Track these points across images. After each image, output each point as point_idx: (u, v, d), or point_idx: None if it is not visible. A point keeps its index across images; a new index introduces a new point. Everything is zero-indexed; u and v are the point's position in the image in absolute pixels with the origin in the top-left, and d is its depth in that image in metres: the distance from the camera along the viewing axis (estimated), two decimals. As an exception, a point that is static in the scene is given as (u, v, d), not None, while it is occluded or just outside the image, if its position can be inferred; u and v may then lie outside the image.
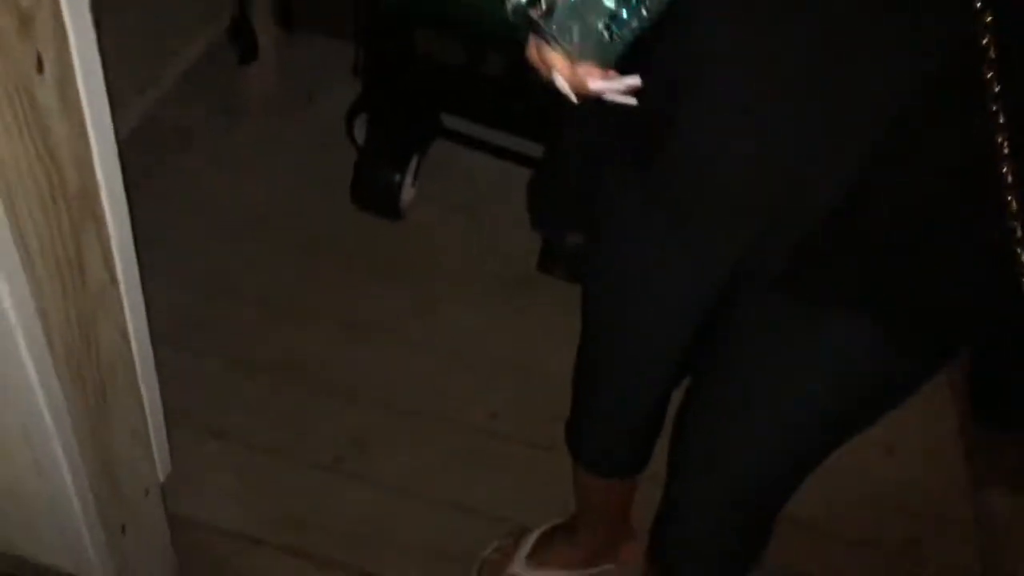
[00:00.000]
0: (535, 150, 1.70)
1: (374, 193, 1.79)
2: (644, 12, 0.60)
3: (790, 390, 0.84)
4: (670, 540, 1.10)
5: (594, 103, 0.68)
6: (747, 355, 0.86)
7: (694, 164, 0.74)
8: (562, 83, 0.65)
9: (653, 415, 1.12)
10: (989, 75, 0.53)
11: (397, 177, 1.75)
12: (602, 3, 0.58)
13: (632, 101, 0.68)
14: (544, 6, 0.60)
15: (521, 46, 0.69)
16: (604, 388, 1.10)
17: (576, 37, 0.60)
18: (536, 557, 1.41)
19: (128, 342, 0.87)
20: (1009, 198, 0.55)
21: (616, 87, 0.66)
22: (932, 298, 0.71)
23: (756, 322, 0.83)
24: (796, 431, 0.87)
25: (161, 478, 1.06)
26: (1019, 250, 0.56)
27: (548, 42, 0.61)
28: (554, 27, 0.60)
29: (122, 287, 0.82)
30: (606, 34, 0.60)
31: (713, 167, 0.73)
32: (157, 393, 0.98)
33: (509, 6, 0.62)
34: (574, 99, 0.67)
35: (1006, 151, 0.54)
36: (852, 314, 0.75)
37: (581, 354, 1.11)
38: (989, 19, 0.52)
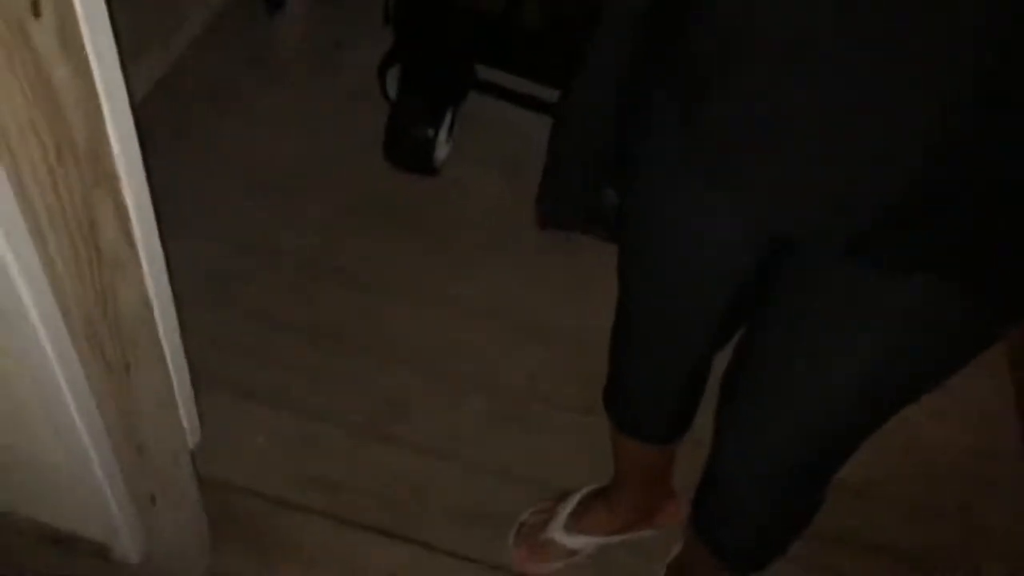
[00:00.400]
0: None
1: (407, 149, 1.74)
2: None
3: (850, 353, 0.79)
4: (713, 506, 1.07)
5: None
6: (805, 316, 0.81)
7: (743, 123, 0.68)
8: None
9: (694, 379, 1.08)
10: None
11: (431, 132, 1.70)
12: None
13: None
14: None
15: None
16: (642, 352, 1.06)
17: None
18: (574, 521, 1.38)
19: (150, 308, 0.83)
20: None
21: None
22: (1018, 259, 0.66)
23: (817, 284, 0.78)
24: (852, 397, 0.82)
25: (191, 444, 1.03)
26: None
27: None
28: None
29: (141, 251, 0.78)
30: None
31: (767, 127, 0.67)
32: (183, 358, 0.95)
33: None
34: None
35: None
36: (934, 278, 0.69)
37: (619, 317, 1.06)
38: None
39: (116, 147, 0.68)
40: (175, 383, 0.94)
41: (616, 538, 1.39)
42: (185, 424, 1.00)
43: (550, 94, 1.69)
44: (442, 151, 1.77)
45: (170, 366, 0.91)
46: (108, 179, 0.69)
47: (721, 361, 1.02)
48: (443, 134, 1.73)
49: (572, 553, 1.38)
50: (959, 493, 1.59)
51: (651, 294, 0.97)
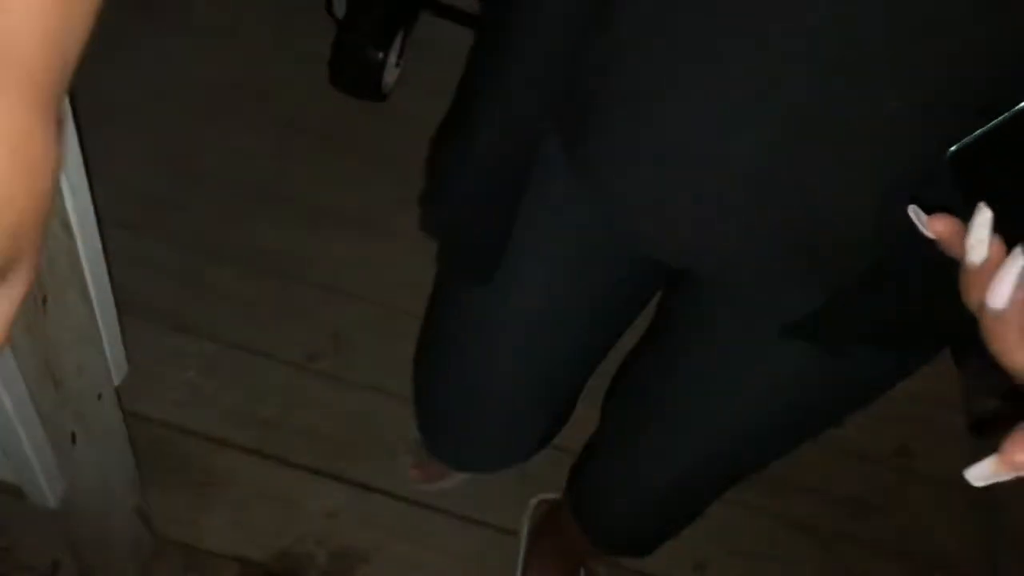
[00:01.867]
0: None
1: (354, 73, 1.65)
2: None
3: (749, 397, 0.76)
4: (590, 501, 1.07)
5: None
6: (703, 352, 0.77)
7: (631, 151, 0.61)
8: None
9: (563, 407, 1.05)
10: None
11: (380, 56, 1.61)
12: None
13: None
14: None
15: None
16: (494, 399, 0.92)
17: None
18: None
19: (70, 233, 0.76)
20: None
21: None
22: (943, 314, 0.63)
23: (716, 320, 0.74)
24: (745, 436, 0.80)
25: (116, 381, 0.97)
26: None
27: None
28: None
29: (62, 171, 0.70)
30: None
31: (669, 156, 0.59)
32: (108, 290, 0.88)
33: None
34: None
35: None
36: (873, 349, 0.65)
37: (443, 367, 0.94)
38: None
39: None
40: (98, 315, 0.87)
41: None
42: (110, 358, 0.93)
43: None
44: (391, 76, 1.68)
45: (92, 297, 0.84)
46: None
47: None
48: (393, 57, 1.64)
49: None
50: (898, 437, 1.61)
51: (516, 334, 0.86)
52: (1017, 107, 0.37)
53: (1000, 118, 0.38)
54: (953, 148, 0.39)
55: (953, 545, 1.50)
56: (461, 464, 1.13)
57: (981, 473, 0.38)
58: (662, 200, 0.60)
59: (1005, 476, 0.37)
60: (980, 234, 0.36)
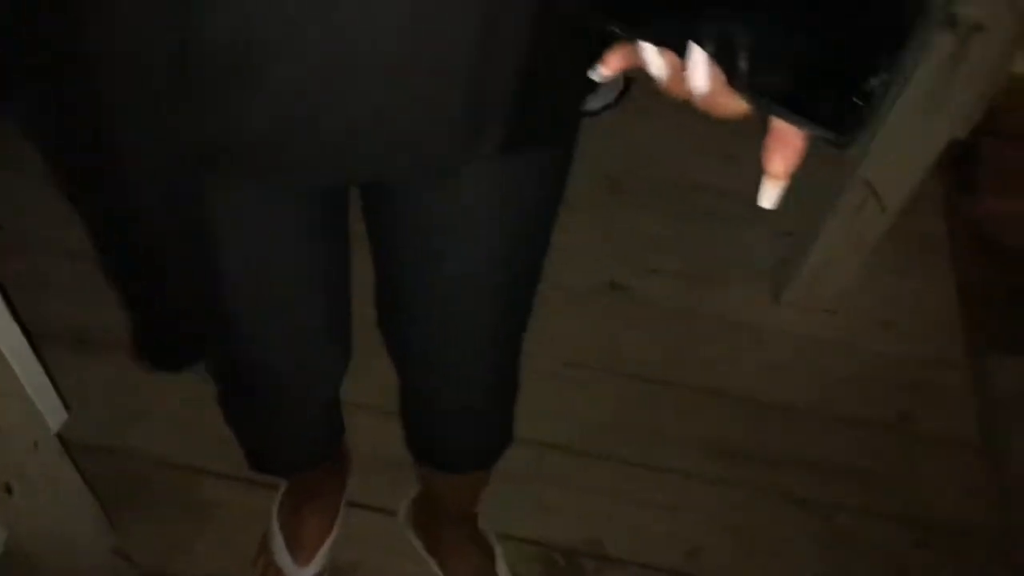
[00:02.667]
0: None
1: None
2: None
3: (484, 241, 0.80)
4: (422, 432, 1.09)
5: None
6: (427, 229, 0.79)
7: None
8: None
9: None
10: None
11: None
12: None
13: None
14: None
15: None
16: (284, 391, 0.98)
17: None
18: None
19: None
20: None
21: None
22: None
23: (420, 199, 0.76)
24: (498, 279, 0.84)
25: (54, 428, 0.97)
26: None
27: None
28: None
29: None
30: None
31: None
32: (26, 345, 0.89)
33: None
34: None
35: None
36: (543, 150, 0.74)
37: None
38: None
39: None
40: (18, 372, 0.88)
41: None
42: (41, 406, 0.94)
43: None
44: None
45: (4, 352, 0.85)
46: None
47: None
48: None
49: None
50: (902, 402, 1.56)
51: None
52: None
53: None
54: None
55: (959, 505, 1.44)
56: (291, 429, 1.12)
57: (766, 196, 0.44)
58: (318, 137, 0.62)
59: (782, 184, 0.43)
60: (650, 55, 0.44)
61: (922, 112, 1.25)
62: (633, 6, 0.43)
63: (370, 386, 1.42)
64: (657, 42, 0.43)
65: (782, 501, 1.43)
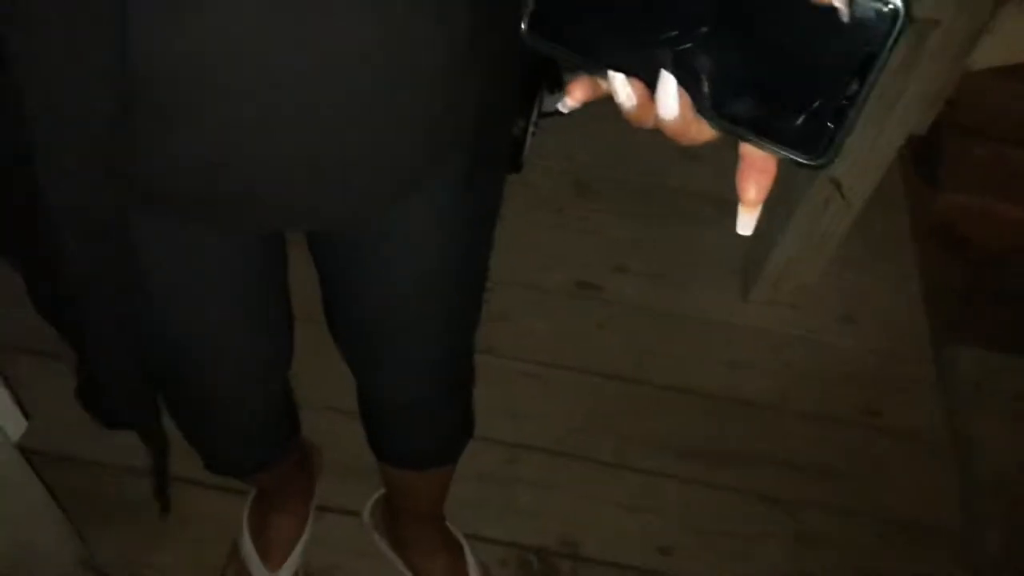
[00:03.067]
0: None
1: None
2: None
3: (427, 257, 0.81)
4: (381, 432, 1.10)
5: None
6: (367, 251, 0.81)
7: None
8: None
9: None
10: None
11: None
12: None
13: None
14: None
15: None
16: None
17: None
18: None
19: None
20: None
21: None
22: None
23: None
24: (447, 289, 0.86)
25: (15, 436, 0.96)
26: None
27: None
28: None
29: None
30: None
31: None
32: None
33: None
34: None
35: None
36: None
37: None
38: None
39: None
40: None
41: None
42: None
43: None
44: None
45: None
46: None
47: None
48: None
49: None
50: (866, 397, 1.58)
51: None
52: None
53: None
54: (524, 26, 0.43)
55: (924, 501, 1.46)
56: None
57: (742, 224, 0.43)
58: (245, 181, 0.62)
59: (758, 211, 0.42)
60: (620, 85, 0.42)
61: (880, 108, 1.27)
62: (590, 37, 0.42)
63: (340, 389, 1.42)
64: (623, 71, 0.42)
65: (751, 498, 1.44)
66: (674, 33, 0.39)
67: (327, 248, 0.83)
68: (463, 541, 1.32)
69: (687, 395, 1.55)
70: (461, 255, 0.84)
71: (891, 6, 0.35)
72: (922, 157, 1.80)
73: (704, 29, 0.39)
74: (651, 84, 0.41)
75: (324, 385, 1.43)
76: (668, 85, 0.40)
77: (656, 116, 0.41)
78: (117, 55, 0.52)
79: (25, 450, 1.00)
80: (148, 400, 0.85)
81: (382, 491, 1.33)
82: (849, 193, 1.41)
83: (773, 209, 1.58)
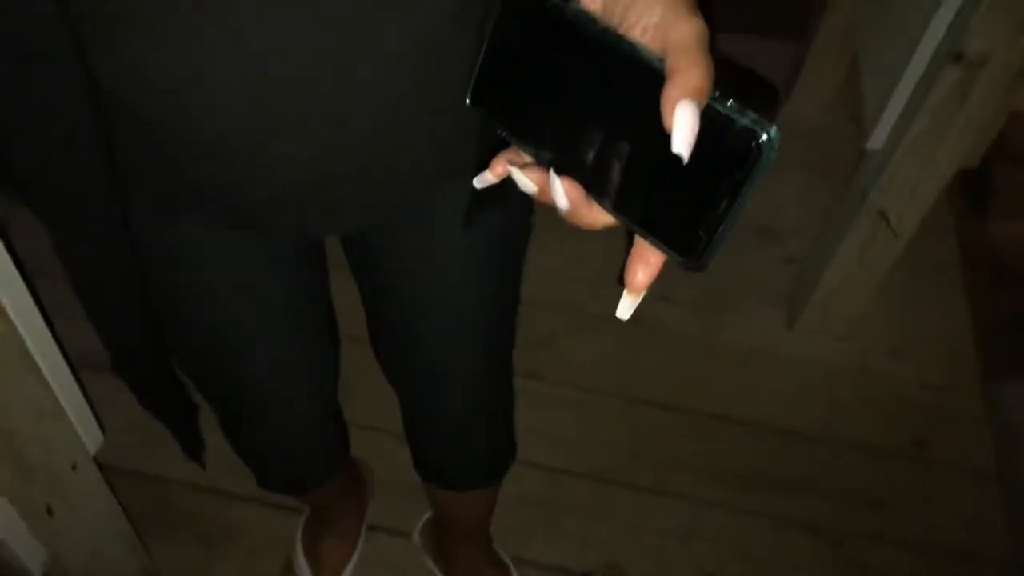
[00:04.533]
0: None
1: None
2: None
3: (472, 281, 0.84)
4: (426, 453, 1.11)
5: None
6: (408, 272, 0.84)
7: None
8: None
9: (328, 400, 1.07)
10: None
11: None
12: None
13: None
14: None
15: None
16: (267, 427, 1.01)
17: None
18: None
19: (8, 320, 0.81)
20: None
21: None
22: None
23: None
24: (483, 314, 0.89)
25: (92, 449, 1.01)
26: None
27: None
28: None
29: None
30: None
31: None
32: (63, 364, 0.92)
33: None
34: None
35: None
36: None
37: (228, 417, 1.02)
38: None
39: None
40: (57, 391, 0.92)
41: None
42: (79, 428, 0.98)
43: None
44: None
45: (46, 375, 0.89)
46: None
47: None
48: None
49: None
50: (915, 429, 1.58)
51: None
52: (488, 34, 0.44)
53: (483, 47, 0.44)
54: (469, 92, 0.45)
55: (971, 532, 1.45)
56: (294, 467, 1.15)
57: (623, 308, 0.44)
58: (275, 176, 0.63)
59: (640, 297, 0.44)
60: (518, 176, 0.45)
61: (930, 143, 1.28)
62: (516, 119, 0.45)
63: (389, 410, 1.46)
64: (537, 158, 0.44)
65: (795, 527, 1.45)
66: (570, 140, 0.42)
67: (365, 262, 0.86)
68: (509, 563, 1.34)
69: (731, 423, 1.56)
70: (492, 267, 0.85)
71: (757, 143, 0.37)
72: (972, 187, 1.80)
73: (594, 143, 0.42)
74: (560, 170, 0.43)
75: (368, 405, 1.47)
76: (555, 184, 0.43)
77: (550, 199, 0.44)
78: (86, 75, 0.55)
79: (99, 464, 1.04)
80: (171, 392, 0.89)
81: (431, 512, 1.36)
82: (897, 224, 1.42)
83: (821, 238, 1.59)
